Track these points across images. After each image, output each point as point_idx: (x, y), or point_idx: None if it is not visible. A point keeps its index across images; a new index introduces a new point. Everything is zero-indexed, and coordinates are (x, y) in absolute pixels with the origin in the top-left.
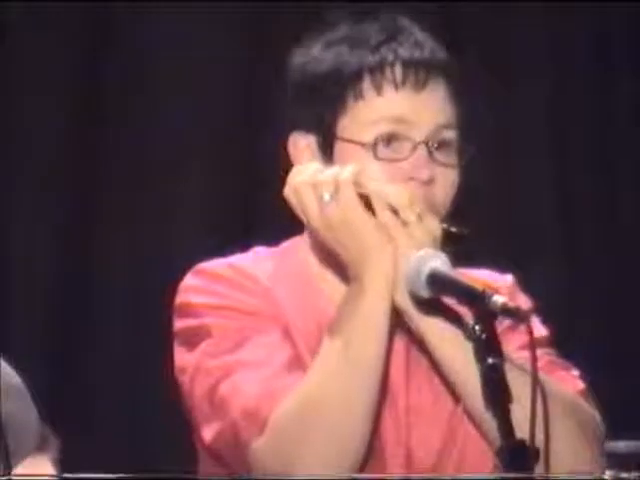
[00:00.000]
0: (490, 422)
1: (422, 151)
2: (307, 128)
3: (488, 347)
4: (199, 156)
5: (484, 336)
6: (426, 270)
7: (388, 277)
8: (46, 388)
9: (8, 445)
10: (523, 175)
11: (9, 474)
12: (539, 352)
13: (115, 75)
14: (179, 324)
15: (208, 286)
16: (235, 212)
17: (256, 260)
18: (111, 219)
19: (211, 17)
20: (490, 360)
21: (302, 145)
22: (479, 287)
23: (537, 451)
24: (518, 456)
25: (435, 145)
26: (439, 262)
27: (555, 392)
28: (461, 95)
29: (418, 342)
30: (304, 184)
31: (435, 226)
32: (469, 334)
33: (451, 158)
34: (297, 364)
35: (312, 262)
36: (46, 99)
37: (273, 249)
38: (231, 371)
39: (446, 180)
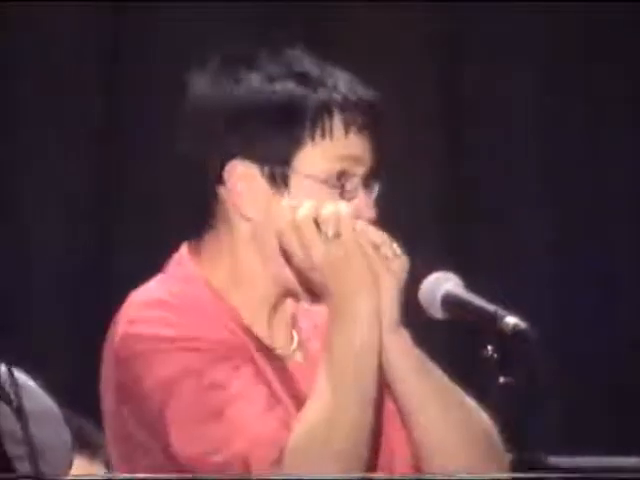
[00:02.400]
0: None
1: (363, 189)
2: (252, 158)
3: (500, 366)
4: None
5: (496, 356)
6: (441, 292)
7: (377, 308)
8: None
9: (41, 469)
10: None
11: None
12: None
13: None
14: (133, 358)
15: (160, 316)
16: None
17: (179, 288)
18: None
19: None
20: (502, 379)
21: (244, 174)
22: (491, 308)
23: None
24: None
25: (369, 180)
26: (453, 284)
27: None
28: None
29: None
30: (308, 222)
31: (406, 260)
32: (484, 354)
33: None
34: (274, 395)
35: (223, 289)
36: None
37: (176, 277)
38: (225, 406)
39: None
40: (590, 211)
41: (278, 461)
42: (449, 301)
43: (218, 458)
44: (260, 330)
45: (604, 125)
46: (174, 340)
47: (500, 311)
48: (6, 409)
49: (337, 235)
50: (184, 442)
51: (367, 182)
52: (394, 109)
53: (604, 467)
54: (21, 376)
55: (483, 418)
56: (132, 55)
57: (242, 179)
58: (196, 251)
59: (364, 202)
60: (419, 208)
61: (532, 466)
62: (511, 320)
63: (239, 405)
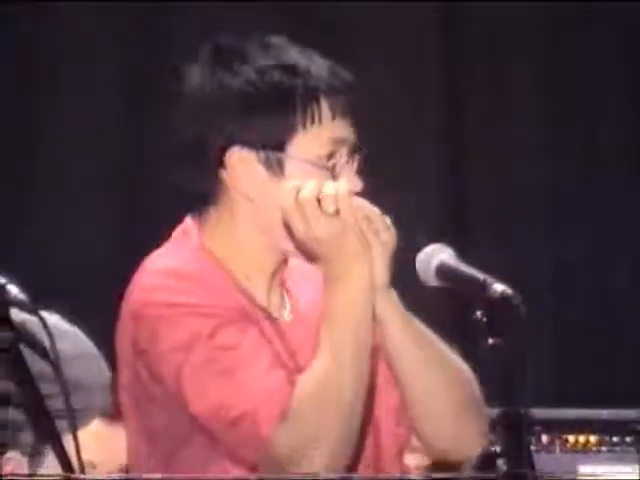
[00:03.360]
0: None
1: (350, 167)
2: (249, 144)
3: (489, 329)
4: None
5: (485, 319)
6: (435, 262)
7: (371, 275)
8: None
9: (76, 405)
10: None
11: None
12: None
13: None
14: (148, 324)
15: (173, 285)
16: None
17: (186, 259)
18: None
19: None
20: (491, 341)
21: (242, 158)
22: (481, 276)
23: (529, 419)
24: (515, 424)
25: (354, 159)
26: (446, 255)
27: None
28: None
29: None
30: (310, 200)
31: (394, 233)
32: (473, 317)
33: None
34: (277, 357)
35: (226, 259)
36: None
37: (178, 247)
38: (233, 368)
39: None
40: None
41: (283, 416)
42: (443, 270)
43: (228, 414)
44: (260, 296)
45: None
46: (186, 306)
47: (489, 279)
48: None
49: (337, 211)
50: (198, 399)
51: (350, 158)
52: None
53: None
54: (58, 320)
55: (460, 365)
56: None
57: (241, 164)
58: (200, 224)
59: (351, 177)
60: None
61: (516, 418)
62: (499, 287)
63: (247, 365)
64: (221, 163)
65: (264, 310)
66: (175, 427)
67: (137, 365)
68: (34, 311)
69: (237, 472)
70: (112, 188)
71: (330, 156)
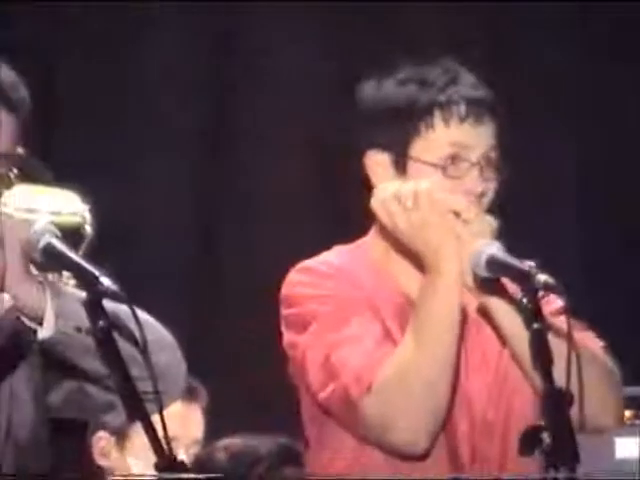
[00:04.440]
0: (534, 374)
1: (476, 170)
2: (383, 148)
3: (534, 315)
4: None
5: (530, 306)
6: (485, 255)
7: (458, 264)
8: None
9: (160, 389)
10: None
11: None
12: (563, 318)
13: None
14: (286, 312)
15: (308, 280)
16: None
17: (339, 255)
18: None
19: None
20: (535, 325)
21: (378, 161)
22: (526, 267)
23: (572, 396)
24: (558, 400)
25: (484, 164)
26: (495, 249)
27: (584, 348)
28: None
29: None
30: (390, 197)
31: (491, 221)
32: (519, 305)
33: (494, 174)
34: (387, 337)
35: (381, 255)
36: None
37: (348, 247)
38: (338, 346)
39: (490, 192)
40: None
41: (369, 389)
42: (492, 262)
43: (328, 390)
44: (410, 285)
45: None
46: (310, 297)
47: (533, 270)
48: (128, 339)
49: (415, 205)
50: (312, 376)
51: (481, 164)
52: None
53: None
54: (140, 312)
55: None
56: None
57: (377, 165)
58: (373, 228)
59: (472, 179)
60: None
61: (559, 396)
62: (542, 277)
63: (351, 345)
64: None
65: (406, 297)
66: (313, 406)
67: (284, 346)
68: (125, 301)
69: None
70: None
71: (451, 158)
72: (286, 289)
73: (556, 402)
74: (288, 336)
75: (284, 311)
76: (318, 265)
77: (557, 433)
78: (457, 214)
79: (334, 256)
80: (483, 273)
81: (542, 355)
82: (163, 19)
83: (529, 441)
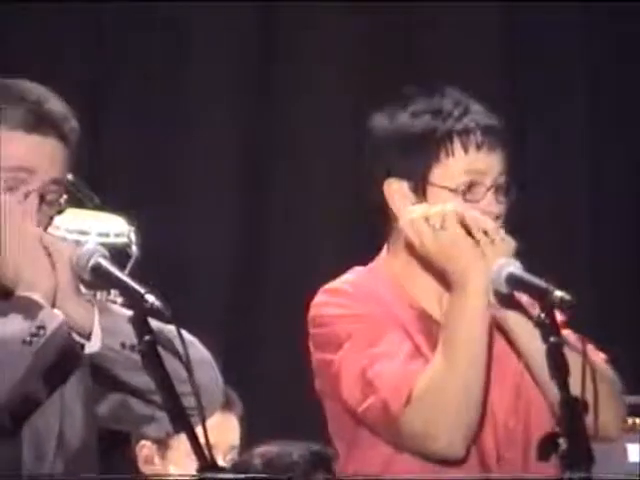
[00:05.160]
0: (550, 384)
1: (491, 194)
2: (402, 175)
3: (551, 329)
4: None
5: (547, 321)
6: (505, 273)
7: (484, 282)
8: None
9: (202, 405)
10: None
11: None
12: (568, 331)
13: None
14: (316, 331)
15: (336, 301)
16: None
17: (359, 275)
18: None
19: None
20: (552, 339)
21: (397, 188)
22: (544, 284)
23: (587, 404)
24: (574, 408)
25: (497, 188)
26: (514, 267)
27: (593, 361)
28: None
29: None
30: (419, 218)
31: (512, 243)
32: (536, 320)
33: (504, 197)
34: (417, 352)
35: (398, 273)
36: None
37: (365, 267)
38: (374, 361)
39: (503, 213)
40: None
41: (408, 401)
42: (511, 279)
43: (367, 403)
44: (431, 305)
45: None
46: (341, 317)
47: (550, 287)
48: (172, 356)
49: (443, 226)
50: (348, 391)
51: (495, 188)
52: None
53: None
54: (183, 332)
55: None
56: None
57: (396, 192)
58: (386, 248)
59: (488, 202)
60: None
61: (574, 404)
62: (559, 293)
63: (384, 361)
64: (382, 192)
65: (430, 317)
66: (343, 418)
67: (315, 364)
68: (170, 319)
69: (388, 451)
70: None
71: (469, 184)
72: (315, 310)
73: (572, 410)
74: (320, 355)
75: (314, 330)
76: (343, 285)
77: (573, 439)
78: (486, 233)
79: (355, 276)
80: (503, 289)
81: (559, 367)
82: None
83: (547, 446)
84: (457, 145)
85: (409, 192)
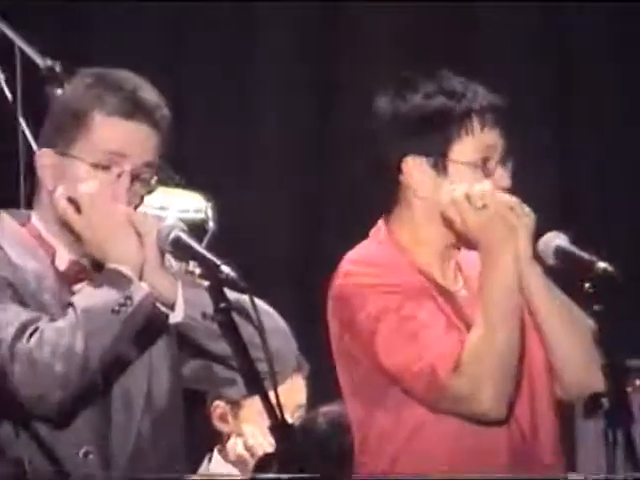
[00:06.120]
0: (559, 346)
1: (500, 167)
2: (421, 153)
3: (594, 298)
4: None
5: (592, 290)
6: (553, 245)
7: (516, 250)
8: None
9: (275, 370)
10: None
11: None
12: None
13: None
14: (348, 300)
15: (366, 271)
16: None
17: (376, 248)
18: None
19: None
20: (596, 307)
21: (417, 166)
22: (588, 257)
23: (627, 368)
24: (616, 372)
25: (503, 162)
26: (560, 240)
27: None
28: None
29: None
30: (461, 197)
31: (533, 217)
32: (584, 290)
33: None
34: (450, 322)
35: (406, 245)
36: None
37: (373, 240)
38: (417, 330)
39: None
40: None
41: (456, 367)
42: (559, 252)
43: (414, 368)
44: (437, 275)
45: None
46: (377, 286)
47: (594, 259)
48: (247, 323)
49: (484, 206)
50: (389, 357)
51: (502, 161)
52: None
53: None
54: (258, 301)
55: (588, 322)
56: None
57: (415, 169)
58: (388, 222)
59: (500, 176)
60: None
61: (616, 367)
62: (602, 265)
63: (426, 330)
64: (399, 170)
65: (441, 286)
66: (371, 380)
67: (342, 334)
68: (244, 289)
69: (421, 412)
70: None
71: (484, 159)
72: (346, 279)
73: (614, 373)
74: (351, 316)
75: (347, 298)
76: (367, 256)
77: (614, 399)
78: (511, 209)
79: (372, 248)
80: (550, 261)
81: (603, 333)
82: None
83: (591, 405)
84: (475, 123)
85: (429, 168)
